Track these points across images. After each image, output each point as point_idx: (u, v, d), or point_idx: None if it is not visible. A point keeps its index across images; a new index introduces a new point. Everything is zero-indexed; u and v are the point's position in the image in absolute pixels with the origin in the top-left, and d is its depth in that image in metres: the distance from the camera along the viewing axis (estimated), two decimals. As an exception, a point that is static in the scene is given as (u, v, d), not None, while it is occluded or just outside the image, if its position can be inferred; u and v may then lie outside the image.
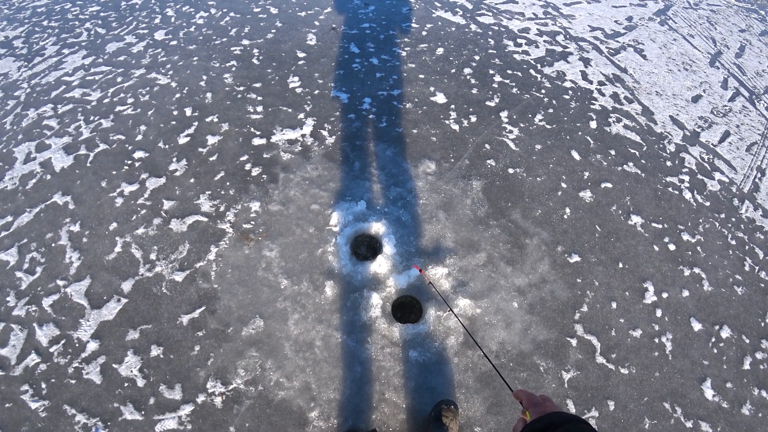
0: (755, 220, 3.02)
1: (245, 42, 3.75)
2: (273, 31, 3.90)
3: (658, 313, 2.35)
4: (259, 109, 3.11)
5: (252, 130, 2.95)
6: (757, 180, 3.33)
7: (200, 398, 1.89)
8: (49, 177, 2.67)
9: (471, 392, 1.97)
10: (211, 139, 2.88)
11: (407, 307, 2.23)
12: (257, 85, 3.31)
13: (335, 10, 4.21)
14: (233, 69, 3.45)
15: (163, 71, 3.42)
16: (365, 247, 2.42)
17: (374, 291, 2.19)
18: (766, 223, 3.04)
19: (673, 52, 4.34)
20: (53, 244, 2.36)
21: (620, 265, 2.44)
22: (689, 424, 2.09)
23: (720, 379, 2.25)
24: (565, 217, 2.56)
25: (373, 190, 2.59)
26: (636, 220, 2.68)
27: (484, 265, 2.27)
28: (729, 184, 3.19)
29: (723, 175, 3.23)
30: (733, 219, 2.94)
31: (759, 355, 2.39)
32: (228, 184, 2.63)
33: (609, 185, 2.80)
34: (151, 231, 2.40)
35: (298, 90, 3.27)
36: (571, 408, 2.00)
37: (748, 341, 2.41)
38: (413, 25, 4.05)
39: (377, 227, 2.40)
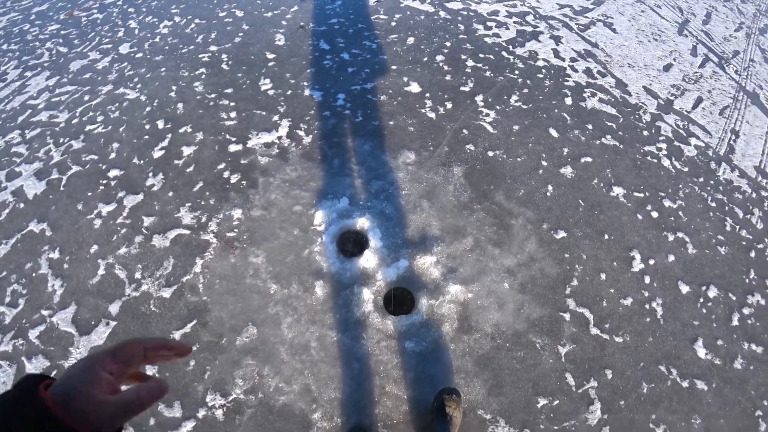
0: (732, 181, 3.10)
1: (213, 48, 3.71)
2: (240, 34, 3.87)
3: (647, 279, 2.40)
4: (233, 114, 3.09)
5: (227, 136, 2.93)
6: (731, 142, 3.42)
7: (201, 413, 1.88)
8: (22, 205, 2.62)
9: (470, 376, 2.00)
10: (187, 150, 2.85)
11: (399, 299, 2.25)
12: (228, 90, 3.29)
13: (302, 8, 4.19)
14: (203, 76, 3.41)
15: (131, 85, 3.37)
16: (351, 244, 2.43)
17: (364, 286, 2.20)
18: (743, 183, 3.13)
19: (641, 24, 4.41)
20: (34, 274, 2.32)
21: (606, 237, 2.49)
22: (685, 384, 2.16)
23: (711, 337, 2.32)
24: (548, 194, 2.60)
25: (355, 185, 2.60)
26: (618, 191, 2.74)
27: (471, 249, 2.29)
28: (705, 148, 3.27)
29: (699, 140, 3.31)
30: (712, 182, 3.02)
31: (746, 311, 2.46)
32: (207, 194, 2.61)
33: (589, 159, 2.85)
34: (133, 250, 2.38)
35: (271, 92, 3.25)
36: (570, 381, 2.04)
37: (734, 298, 2.49)
38: (382, 16, 4.05)
39: (362, 222, 2.41)
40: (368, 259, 2.27)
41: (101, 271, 2.30)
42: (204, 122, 3.03)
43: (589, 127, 3.05)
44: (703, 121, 3.48)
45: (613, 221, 2.57)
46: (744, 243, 2.76)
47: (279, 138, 2.91)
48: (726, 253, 2.67)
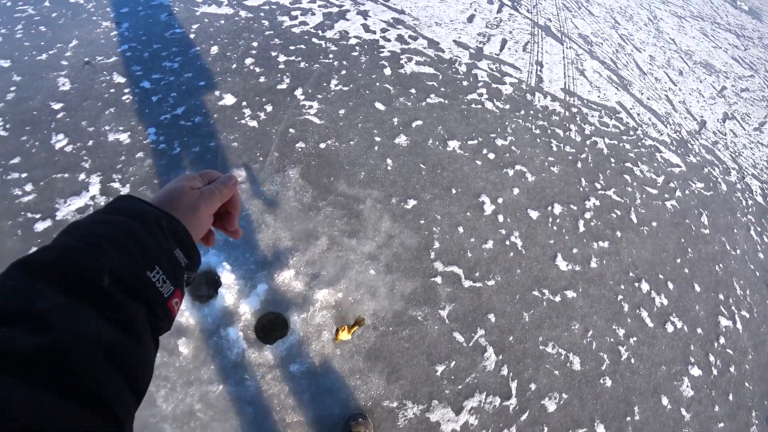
0: (548, 106, 3.63)
1: (-25, 114, 3.11)
2: (12, 89, 3.30)
3: (500, 218, 2.69)
4: (29, 187, 2.64)
5: (29, 215, 2.51)
6: (539, 72, 3.99)
7: None
8: None
9: (365, 373, 2.03)
10: (-25, 249, 2.37)
11: (271, 325, 2.18)
12: (15, 161, 2.79)
13: (82, 41, 3.73)
14: (-29, 153, 2.85)
15: None
16: (205, 287, 2.27)
17: (230, 326, 2.08)
18: (557, 105, 3.68)
19: (438, -17, 4.89)
20: None
21: (454, 191, 2.73)
22: (558, 299, 2.48)
23: (566, 249, 2.70)
24: (389, 168, 2.74)
25: (185, 224, 2.42)
26: (453, 144, 3.01)
27: (328, 248, 2.31)
28: (519, 83, 3.76)
29: (512, 78, 3.80)
30: (531, 111, 3.50)
31: (587, 215, 2.92)
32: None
33: (419, 122, 3.08)
34: None
35: (68, 148, 2.86)
36: (460, 339, 2.19)
37: (575, 208, 2.92)
38: (177, 30, 3.82)
39: (207, 261, 2.26)
40: (225, 297, 2.15)
41: None
42: (-10, 207, 2.54)
43: (413, 91, 3.29)
44: (511, 59, 4.01)
45: (456, 174, 2.82)
46: (570, 157, 3.26)
47: (92, 198, 2.59)
48: (559, 171, 3.12)
